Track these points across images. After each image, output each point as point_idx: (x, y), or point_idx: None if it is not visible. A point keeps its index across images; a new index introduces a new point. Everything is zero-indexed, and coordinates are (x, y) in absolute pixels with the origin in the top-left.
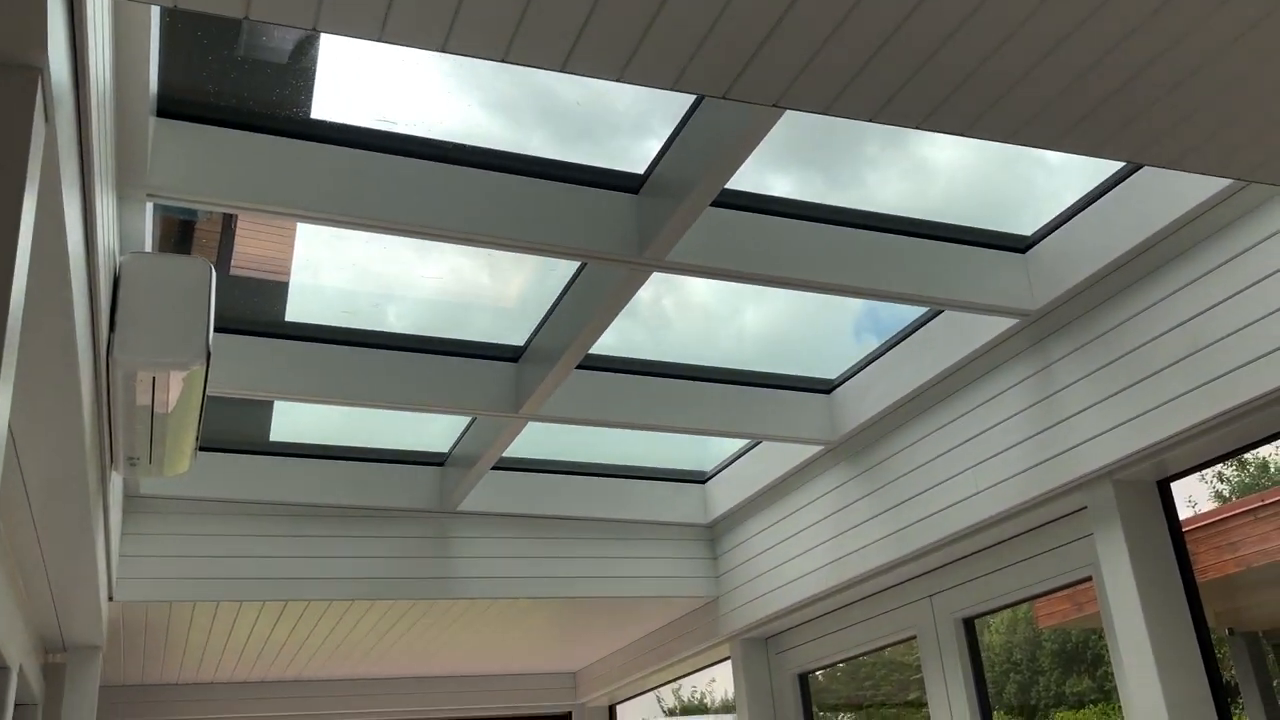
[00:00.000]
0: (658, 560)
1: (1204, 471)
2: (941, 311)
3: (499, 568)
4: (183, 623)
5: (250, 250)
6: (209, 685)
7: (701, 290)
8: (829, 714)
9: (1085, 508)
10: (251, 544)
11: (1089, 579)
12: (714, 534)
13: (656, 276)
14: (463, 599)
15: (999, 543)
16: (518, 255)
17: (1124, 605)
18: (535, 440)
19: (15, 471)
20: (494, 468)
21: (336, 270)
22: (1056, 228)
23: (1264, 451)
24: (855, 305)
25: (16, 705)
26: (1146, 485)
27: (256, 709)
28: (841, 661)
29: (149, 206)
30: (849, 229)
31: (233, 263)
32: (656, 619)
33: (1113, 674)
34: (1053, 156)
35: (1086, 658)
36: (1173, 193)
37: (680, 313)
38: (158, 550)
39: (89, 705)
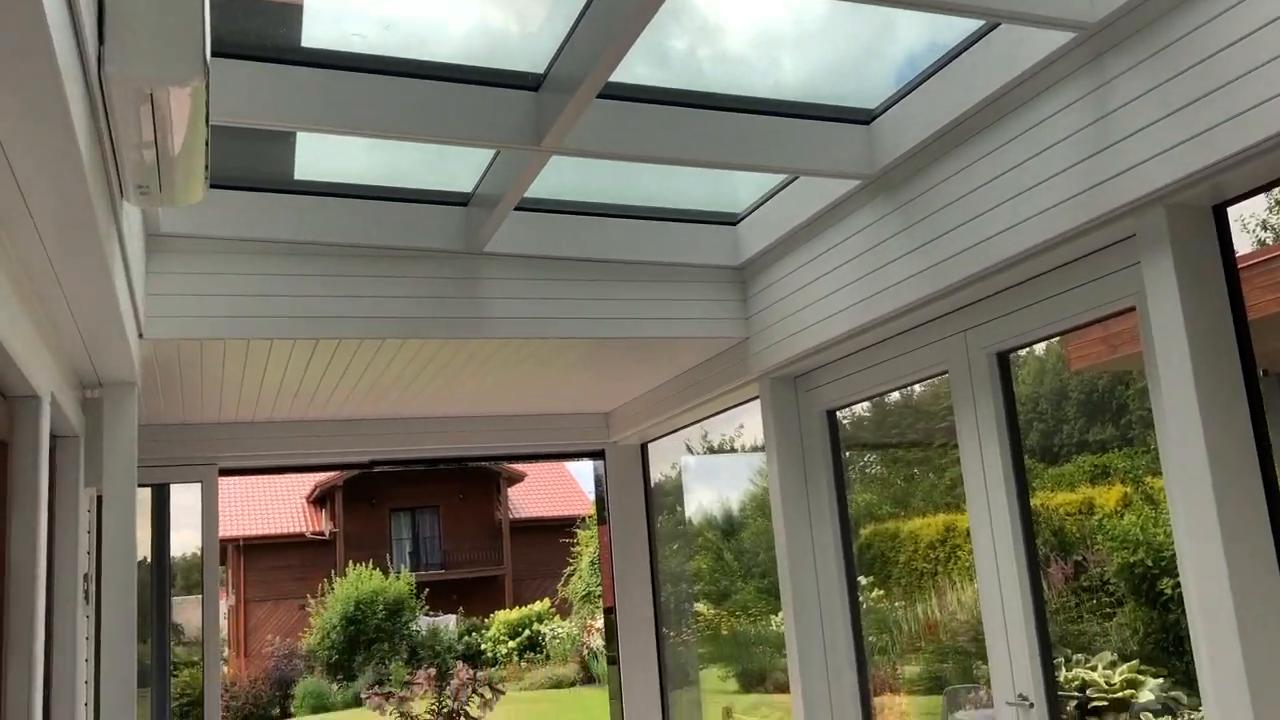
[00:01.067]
0: (687, 302)
1: (1247, 219)
2: (993, 29)
3: (528, 309)
4: (215, 362)
5: None
6: (249, 424)
7: (738, 41)
8: (856, 452)
9: (1134, 235)
10: (278, 283)
11: (1132, 309)
12: (744, 276)
13: (691, 25)
14: (492, 339)
15: (1039, 275)
16: None
17: (1168, 336)
18: (563, 181)
19: (20, 204)
20: (521, 209)
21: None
22: None
23: None
24: (896, 53)
25: (59, 437)
26: (1201, 210)
27: (297, 446)
28: (872, 397)
29: None
30: None
31: None
32: (686, 360)
33: (1135, 422)
34: None
35: (1111, 407)
36: None
37: (714, 65)
38: (185, 289)
39: (128, 439)
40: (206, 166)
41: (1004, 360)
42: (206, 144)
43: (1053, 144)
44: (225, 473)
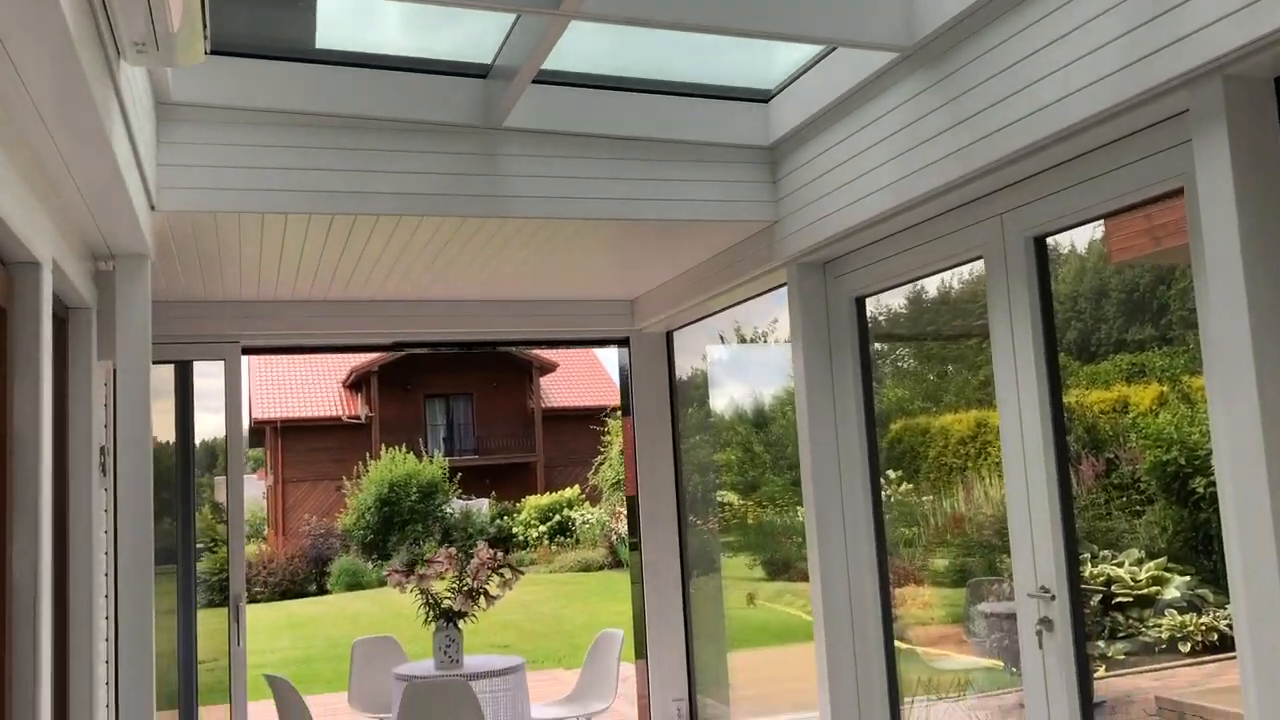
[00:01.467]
0: (715, 184)
1: None
2: None
3: (549, 187)
4: (232, 236)
5: None
6: (272, 303)
7: None
8: (890, 347)
9: (1186, 110)
10: (295, 155)
11: (1179, 191)
12: (775, 156)
13: None
14: (513, 218)
15: (1082, 154)
16: None
17: (1217, 219)
18: (586, 54)
19: (4, 59)
20: (543, 82)
21: None
22: None
23: None
24: None
25: (71, 309)
26: (1261, 82)
27: (320, 326)
28: (902, 284)
29: None
30: None
31: None
32: (712, 245)
33: (1176, 322)
34: None
35: (1152, 307)
36: None
37: None
38: (199, 160)
39: (142, 311)
40: (205, 24)
41: (1041, 245)
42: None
43: (1102, 11)
44: (248, 351)
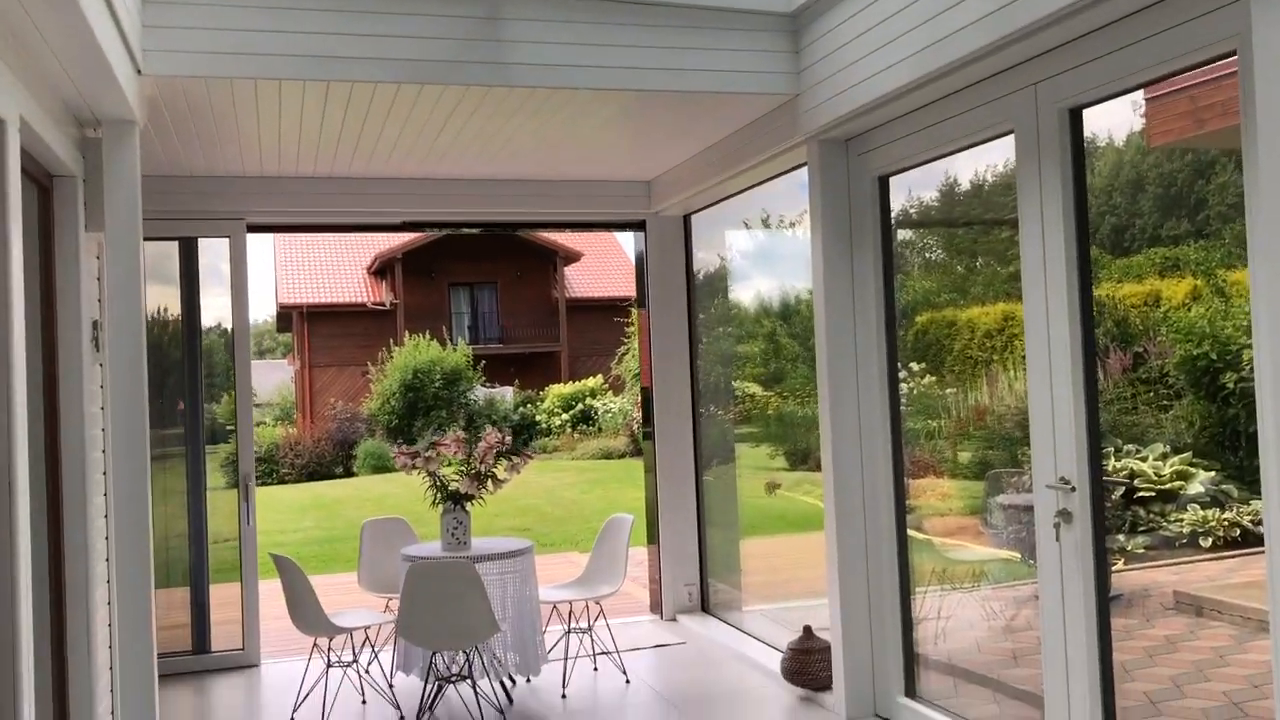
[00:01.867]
0: (734, 53)
1: None
2: None
3: (557, 55)
4: (226, 105)
5: None
6: (276, 179)
7: None
8: (919, 237)
9: None
10: (287, 18)
11: (1232, 54)
12: (797, 24)
13: None
14: (519, 87)
15: (1125, 15)
16: None
17: (1273, 81)
18: None
19: None
20: None
21: None
22: None
23: None
24: None
25: (55, 177)
26: None
27: (328, 204)
28: (928, 161)
29: None
30: None
31: None
32: (731, 121)
33: (1214, 217)
34: None
35: (1190, 201)
36: None
37: None
38: (187, 21)
39: (130, 181)
40: None
41: (1077, 118)
42: None
43: None
44: (254, 229)
